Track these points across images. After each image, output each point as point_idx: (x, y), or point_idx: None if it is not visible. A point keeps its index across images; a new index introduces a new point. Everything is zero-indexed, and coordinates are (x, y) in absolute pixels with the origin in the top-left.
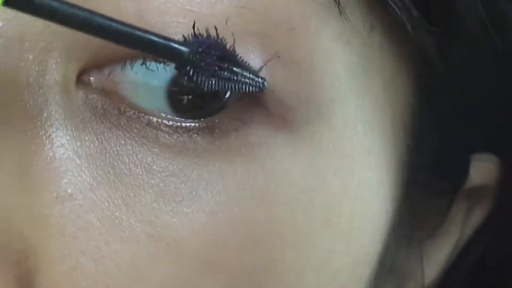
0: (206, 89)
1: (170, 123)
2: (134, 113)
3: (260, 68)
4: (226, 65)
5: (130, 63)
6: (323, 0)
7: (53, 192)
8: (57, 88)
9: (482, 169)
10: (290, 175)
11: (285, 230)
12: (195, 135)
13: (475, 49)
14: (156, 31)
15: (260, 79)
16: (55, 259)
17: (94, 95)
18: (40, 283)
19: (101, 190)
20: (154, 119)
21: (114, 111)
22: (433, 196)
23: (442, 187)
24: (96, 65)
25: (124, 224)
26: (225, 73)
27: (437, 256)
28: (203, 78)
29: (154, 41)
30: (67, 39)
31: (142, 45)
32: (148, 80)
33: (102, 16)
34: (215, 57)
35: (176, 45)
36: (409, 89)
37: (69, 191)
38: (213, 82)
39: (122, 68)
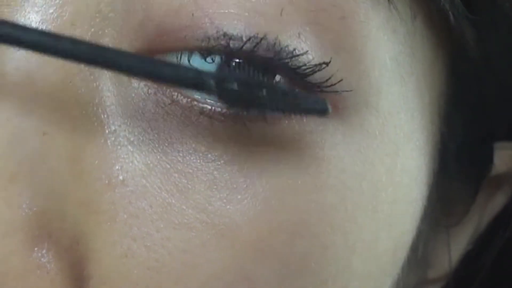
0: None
1: (224, 111)
2: (187, 102)
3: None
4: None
5: (180, 54)
6: None
7: (105, 179)
8: (108, 74)
9: (505, 157)
10: (340, 162)
11: (335, 217)
12: (249, 122)
13: (511, 37)
14: (212, 20)
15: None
16: (107, 245)
17: (146, 84)
18: (91, 269)
19: (153, 177)
20: (207, 107)
21: (167, 100)
22: (461, 183)
23: (469, 174)
24: (147, 52)
25: (176, 210)
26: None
27: (460, 243)
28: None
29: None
30: (118, 26)
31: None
32: (197, 66)
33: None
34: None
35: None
36: (444, 76)
37: (121, 177)
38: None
39: (171, 56)
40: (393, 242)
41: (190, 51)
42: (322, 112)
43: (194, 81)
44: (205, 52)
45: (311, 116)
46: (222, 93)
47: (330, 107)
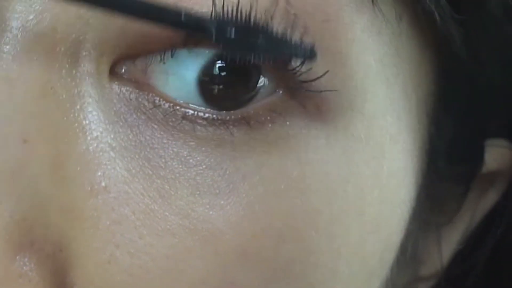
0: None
1: (206, 115)
2: (169, 106)
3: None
4: (260, 36)
5: (163, 55)
6: None
7: (87, 185)
8: (90, 80)
9: (496, 155)
10: (324, 165)
11: (320, 220)
12: (232, 126)
13: (499, 36)
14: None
15: (307, 46)
16: (90, 252)
17: (128, 87)
18: (74, 276)
19: (136, 183)
20: (190, 112)
21: (149, 104)
22: (451, 182)
23: (460, 173)
24: (129, 56)
25: (159, 217)
26: (262, 43)
27: (452, 240)
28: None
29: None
30: (99, 31)
31: (170, 21)
32: (179, 70)
33: None
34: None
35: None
36: (432, 76)
37: (103, 184)
38: (253, 55)
39: (154, 60)
40: (380, 244)
41: (173, 47)
42: (311, 57)
43: (196, 25)
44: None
45: (301, 60)
46: (220, 40)
47: (317, 52)
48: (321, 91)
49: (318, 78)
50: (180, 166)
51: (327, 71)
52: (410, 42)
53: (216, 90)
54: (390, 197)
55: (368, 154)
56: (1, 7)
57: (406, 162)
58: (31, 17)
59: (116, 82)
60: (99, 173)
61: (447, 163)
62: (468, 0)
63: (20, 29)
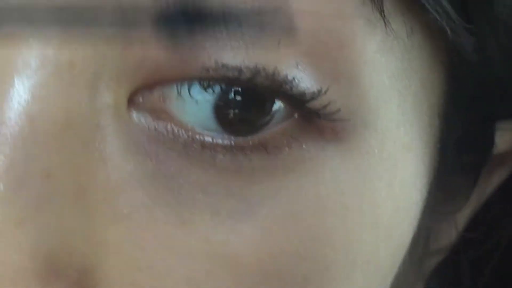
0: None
1: (225, 142)
2: (188, 137)
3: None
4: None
5: (180, 85)
6: (368, 15)
7: (109, 213)
8: (109, 111)
9: (506, 136)
10: (339, 184)
11: (336, 237)
12: (250, 153)
13: (508, 35)
14: (210, 54)
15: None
16: (113, 276)
17: (146, 116)
18: None
19: (157, 210)
20: (208, 140)
21: (168, 135)
22: (463, 172)
23: (471, 161)
24: (146, 86)
25: (180, 241)
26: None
27: (463, 216)
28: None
29: None
30: (116, 64)
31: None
32: (195, 96)
33: None
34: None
35: None
36: (443, 77)
37: (125, 211)
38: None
39: (171, 89)
40: (392, 248)
41: (190, 80)
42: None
43: None
44: (205, 83)
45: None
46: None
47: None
48: (335, 120)
49: (335, 112)
50: (200, 193)
51: (339, 110)
52: (421, 52)
53: (231, 115)
54: (403, 204)
55: (381, 167)
56: (20, 44)
57: (419, 166)
58: (49, 53)
59: (134, 112)
60: (121, 201)
61: (457, 155)
62: (477, 8)
63: (39, 65)
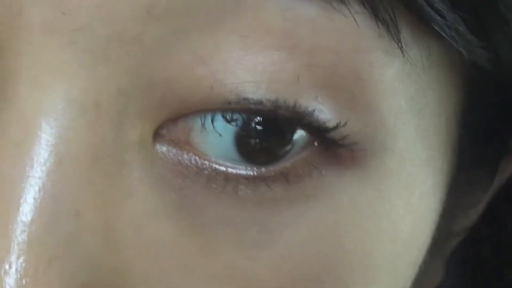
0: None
1: (248, 173)
2: (212, 171)
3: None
4: None
5: (204, 117)
6: (385, 46)
7: (136, 246)
8: (134, 147)
9: None
10: (358, 207)
11: (355, 257)
12: (271, 183)
13: None
14: (231, 90)
15: None
16: None
17: (170, 148)
18: None
19: (182, 241)
20: (232, 172)
21: (193, 169)
22: (480, 171)
23: (488, 160)
24: (170, 120)
25: (205, 268)
26: None
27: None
28: None
29: None
30: (141, 102)
31: None
32: (217, 127)
33: None
34: None
35: None
36: (460, 85)
37: (151, 242)
38: None
39: (194, 121)
40: (411, 258)
41: (213, 112)
42: None
43: None
44: (228, 116)
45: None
46: None
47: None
48: (354, 150)
49: (354, 143)
50: (223, 224)
51: (356, 143)
52: (438, 70)
53: (253, 144)
54: (422, 217)
55: (400, 186)
56: (46, 86)
57: (438, 178)
58: (75, 94)
59: (158, 145)
60: (147, 234)
61: (474, 157)
62: (494, 27)
63: (66, 104)
